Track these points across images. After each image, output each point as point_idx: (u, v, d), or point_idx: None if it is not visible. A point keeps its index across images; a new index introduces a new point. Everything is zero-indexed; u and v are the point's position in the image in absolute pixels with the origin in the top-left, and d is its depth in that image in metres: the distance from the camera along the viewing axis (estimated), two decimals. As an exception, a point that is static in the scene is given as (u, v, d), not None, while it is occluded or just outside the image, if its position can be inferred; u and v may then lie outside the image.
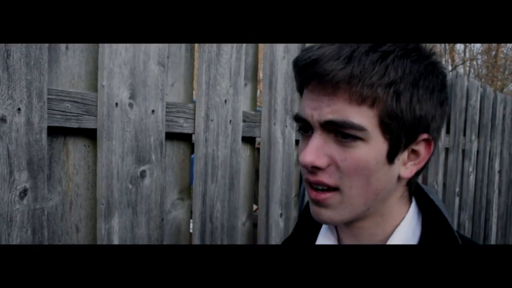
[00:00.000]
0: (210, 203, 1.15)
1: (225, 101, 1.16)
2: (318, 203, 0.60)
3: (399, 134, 0.57)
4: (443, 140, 2.12)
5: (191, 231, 1.15)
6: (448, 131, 2.19)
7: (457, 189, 2.32)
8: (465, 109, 2.35)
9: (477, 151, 2.56)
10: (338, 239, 0.68)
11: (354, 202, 0.59)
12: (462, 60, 14.59)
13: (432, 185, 2.07)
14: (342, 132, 0.56)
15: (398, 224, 0.63)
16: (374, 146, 0.56)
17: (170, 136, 1.08)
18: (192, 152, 1.15)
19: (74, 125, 0.87)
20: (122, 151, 0.94)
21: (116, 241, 0.95)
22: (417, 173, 0.62)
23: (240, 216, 1.23)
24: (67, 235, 0.91)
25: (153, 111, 0.99)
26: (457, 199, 2.32)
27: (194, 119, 1.10)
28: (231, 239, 1.21)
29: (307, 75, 0.56)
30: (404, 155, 0.59)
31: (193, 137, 1.13)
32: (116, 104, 0.92)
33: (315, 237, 0.71)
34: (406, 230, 0.63)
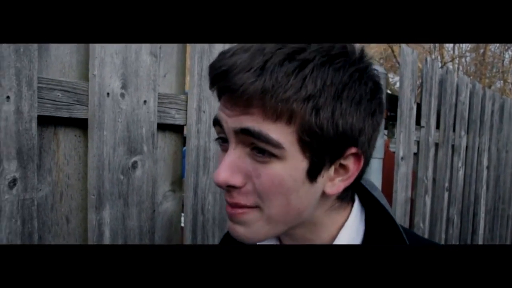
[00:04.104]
0: (202, 195, 1.14)
1: (218, 92, 1.15)
2: (234, 219, 0.55)
3: (321, 151, 0.51)
4: (433, 135, 2.13)
5: (182, 224, 1.14)
6: (438, 127, 2.21)
7: (447, 184, 2.34)
8: (454, 105, 2.36)
9: (466, 147, 2.58)
10: (279, 239, 0.65)
11: (273, 221, 0.54)
12: (451, 58, 14.69)
13: (422, 179, 2.08)
14: (258, 147, 0.50)
15: (340, 228, 0.60)
16: (291, 164, 0.51)
17: (162, 127, 1.07)
18: (184, 144, 1.14)
19: (65, 114, 0.86)
20: (113, 141, 0.93)
21: (107, 233, 0.94)
22: (347, 189, 0.57)
23: (232, 208, 1.22)
24: (57, 226, 0.90)
25: (145, 101, 0.98)
26: (446, 194, 2.34)
27: (186, 110, 1.09)
28: (223, 232, 1.21)
29: (219, 88, 0.51)
30: (330, 171, 0.54)
31: (185, 129, 1.12)
32: (108, 94, 0.91)
33: None
34: (349, 233, 0.60)
